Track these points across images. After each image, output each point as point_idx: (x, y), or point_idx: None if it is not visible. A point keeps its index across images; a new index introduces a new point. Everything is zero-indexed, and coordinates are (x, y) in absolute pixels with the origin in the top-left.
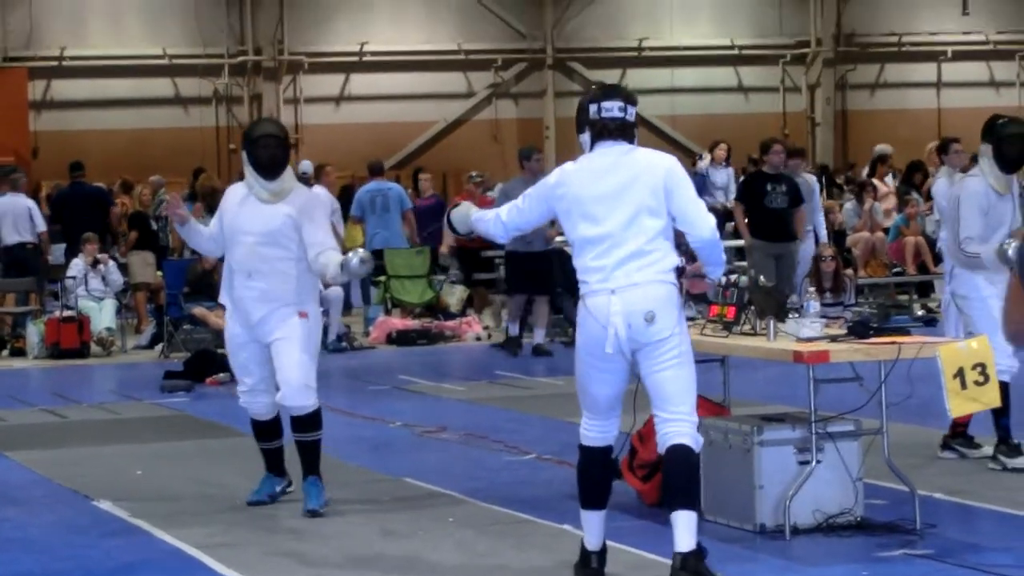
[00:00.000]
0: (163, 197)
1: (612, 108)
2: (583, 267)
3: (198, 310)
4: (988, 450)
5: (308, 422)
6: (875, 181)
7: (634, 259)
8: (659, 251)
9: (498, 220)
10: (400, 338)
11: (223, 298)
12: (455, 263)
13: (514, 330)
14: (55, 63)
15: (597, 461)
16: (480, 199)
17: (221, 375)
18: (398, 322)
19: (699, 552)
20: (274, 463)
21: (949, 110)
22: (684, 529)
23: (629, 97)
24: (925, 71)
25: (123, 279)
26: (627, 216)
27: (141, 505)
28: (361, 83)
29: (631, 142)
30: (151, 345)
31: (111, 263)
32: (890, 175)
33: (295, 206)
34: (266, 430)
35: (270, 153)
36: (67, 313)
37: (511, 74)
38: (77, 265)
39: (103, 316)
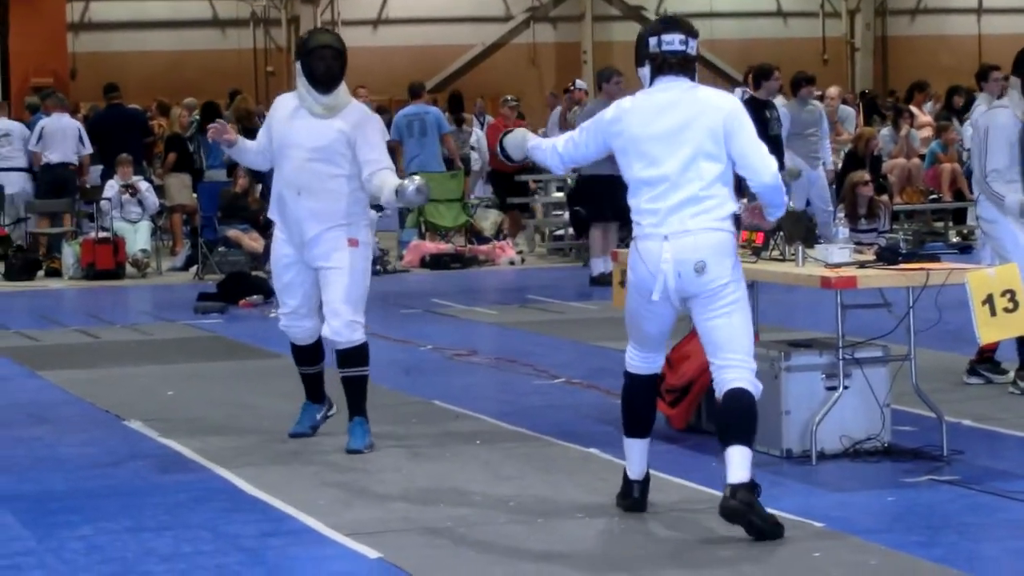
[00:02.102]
0: (195, 118)
1: (673, 41)
2: (637, 208)
3: (232, 232)
4: (1012, 375)
5: (355, 356)
6: (912, 108)
7: (689, 205)
8: (716, 197)
9: (554, 151)
10: (433, 262)
11: (272, 214)
12: (488, 188)
13: (606, 265)
14: None
15: (642, 389)
16: (515, 123)
17: (254, 297)
18: (432, 246)
19: (751, 485)
20: (314, 389)
21: (990, 36)
22: (737, 462)
23: (691, 30)
24: None
25: (159, 201)
26: (685, 159)
27: (171, 425)
28: (399, 6)
29: (692, 78)
30: (186, 267)
31: (146, 185)
32: (929, 103)
33: (349, 122)
34: (307, 354)
35: (326, 65)
36: (102, 235)
37: None
38: (112, 187)
39: (138, 238)
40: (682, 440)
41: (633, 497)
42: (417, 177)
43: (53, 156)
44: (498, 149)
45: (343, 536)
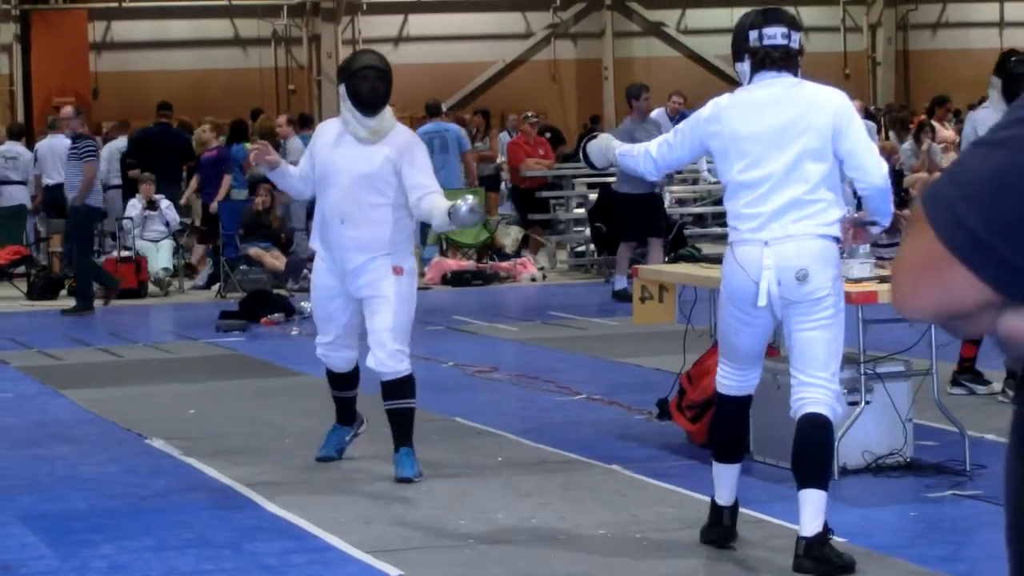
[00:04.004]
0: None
1: (775, 35)
2: (735, 212)
3: (254, 250)
4: (997, 386)
5: (401, 387)
6: (934, 123)
7: (793, 209)
8: (822, 201)
9: (648, 156)
10: (455, 279)
11: (314, 243)
12: (510, 204)
13: (630, 281)
14: (115, 4)
15: (734, 411)
16: (536, 140)
17: (276, 315)
18: (453, 263)
19: (823, 537)
20: (345, 411)
21: None
22: (811, 511)
23: (793, 22)
24: (987, 10)
25: (179, 219)
26: (789, 159)
27: (193, 443)
28: (419, 23)
29: (795, 74)
30: (207, 285)
31: (167, 203)
32: (951, 118)
33: (395, 147)
34: (343, 381)
35: (370, 86)
36: (124, 254)
37: (570, 14)
38: (134, 206)
39: (160, 256)
40: (703, 456)
41: (723, 525)
42: (470, 197)
43: (49, 178)
44: (580, 155)
45: (364, 554)
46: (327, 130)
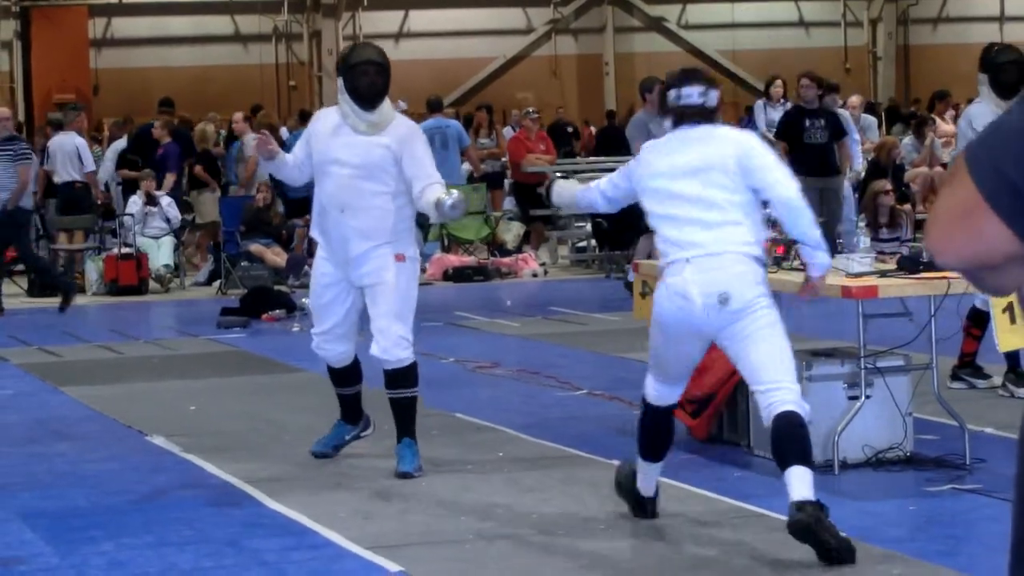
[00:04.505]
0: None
1: (692, 94)
2: (662, 242)
3: (255, 247)
4: (997, 380)
5: (404, 377)
6: (935, 117)
7: (709, 232)
8: (737, 224)
9: (603, 197)
10: (456, 274)
11: (314, 233)
12: (512, 200)
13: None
14: (115, 1)
15: (659, 419)
16: (537, 135)
17: (277, 311)
18: (454, 259)
19: (818, 503)
20: (350, 410)
21: (1013, 44)
22: (799, 481)
23: (710, 81)
24: (988, 5)
25: (180, 216)
26: (701, 191)
27: (194, 440)
28: (420, 19)
29: (713, 124)
30: (208, 282)
31: (168, 200)
32: (950, 113)
33: (395, 138)
34: (341, 376)
35: (369, 80)
36: (125, 250)
37: (570, 9)
38: (135, 203)
39: (161, 253)
40: (704, 451)
41: (647, 513)
42: (456, 192)
43: (59, 176)
44: (544, 196)
45: (364, 550)
46: (325, 118)
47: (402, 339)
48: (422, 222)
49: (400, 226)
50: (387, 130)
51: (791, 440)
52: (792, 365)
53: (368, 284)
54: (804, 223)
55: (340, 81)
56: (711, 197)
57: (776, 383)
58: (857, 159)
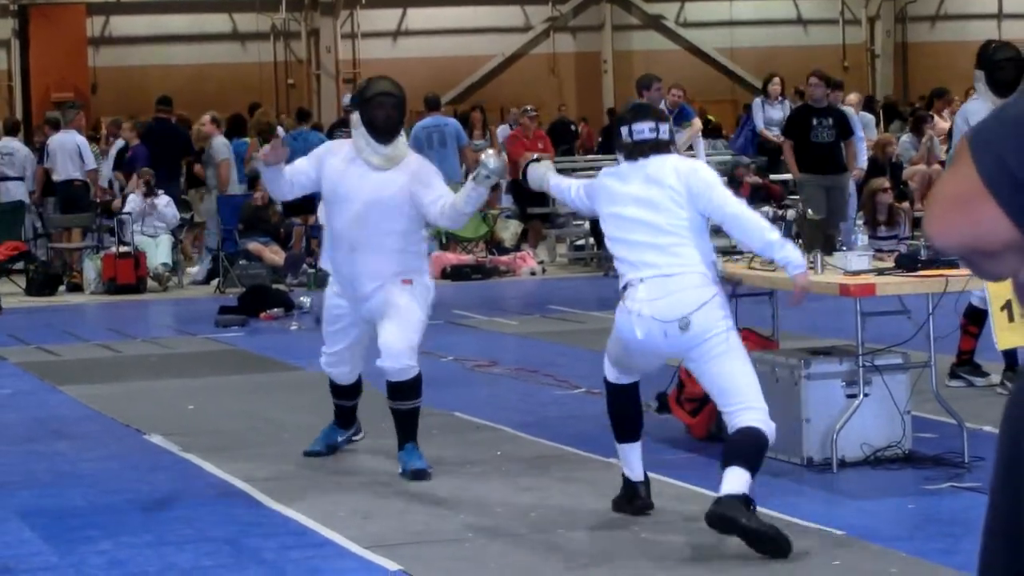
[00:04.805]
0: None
1: (643, 130)
2: (619, 263)
3: (253, 245)
4: (995, 378)
5: (407, 389)
6: (933, 115)
7: (663, 256)
8: (689, 247)
9: (577, 197)
10: (454, 273)
11: (324, 263)
12: (509, 198)
13: None
14: None
15: (625, 397)
16: (535, 133)
17: (275, 310)
18: (452, 257)
19: (741, 497)
20: (343, 418)
21: (1011, 41)
22: (733, 477)
23: (660, 115)
24: (986, 2)
25: (178, 214)
26: (652, 215)
27: (192, 439)
28: (418, 17)
29: (664, 155)
30: (207, 280)
31: (166, 199)
32: (948, 111)
33: (408, 173)
34: (345, 390)
35: (385, 114)
36: (123, 249)
37: (568, 7)
38: (133, 201)
39: (159, 252)
40: (702, 449)
41: (642, 498)
42: (490, 150)
43: (56, 174)
44: (520, 173)
45: (363, 549)
46: (338, 151)
47: (407, 350)
48: None
49: (412, 262)
50: (400, 165)
51: (743, 445)
52: (757, 387)
53: (377, 315)
54: (758, 233)
55: (355, 115)
56: (662, 223)
57: (742, 404)
58: (861, 156)
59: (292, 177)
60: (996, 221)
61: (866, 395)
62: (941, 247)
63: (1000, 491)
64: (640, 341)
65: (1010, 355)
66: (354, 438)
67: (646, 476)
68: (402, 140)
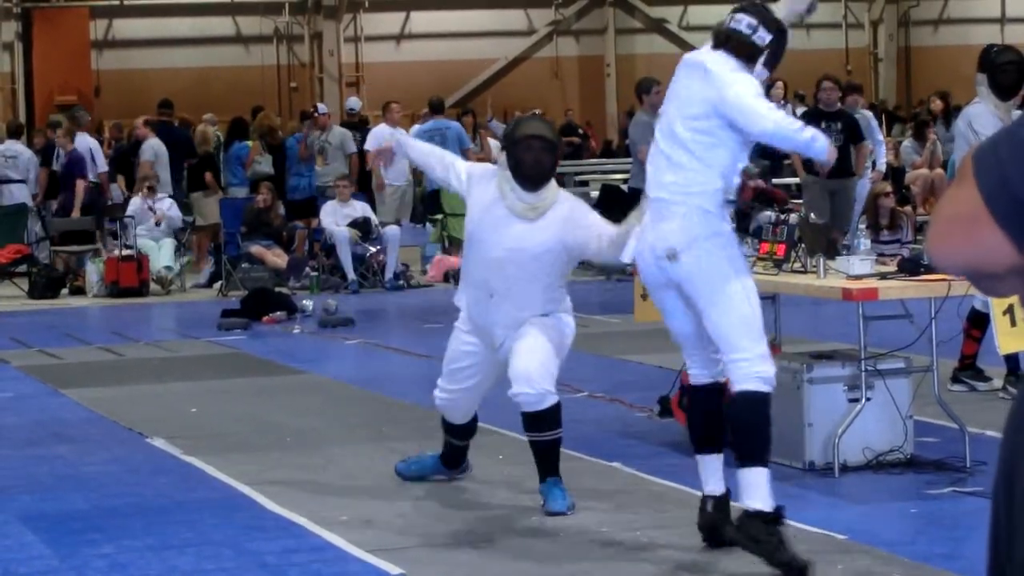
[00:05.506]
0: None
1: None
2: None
3: (256, 248)
4: (997, 382)
5: (545, 419)
6: (936, 115)
7: (666, 172)
8: (692, 170)
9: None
10: (457, 276)
11: (458, 300)
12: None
13: None
14: (117, 2)
15: (700, 401)
16: None
17: (278, 313)
18: (455, 260)
19: (764, 515)
20: (452, 458)
21: (1013, 45)
22: (753, 489)
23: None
24: (989, 6)
25: (182, 217)
26: (668, 130)
27: (195, 442)
28: (422, 21)
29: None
30: (209, 283)
31: (168, 203)
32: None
33: (558, 221)
34: (458, 430)
35: (534, 158)
36: (126, 252)
37: (572, 11)
38: (135, 204)
39: (162, 255)
40: None
41: (706, 512)
42: None
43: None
44: None
45: (365, 552)
46: (486, 184)
47: (543, 378)
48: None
49: (550, 307)
50: (547, 215)
51: (746, 431)
52: (752, 331)
53: (511, 353)
54: (792, 135)
55: (502, 156)
56: (676, 137)
57: (733, 357)
58: (880, 159)
59: (444, 170)
60: (999, 245)
61: (868, 399)
62: (943, 268)
63: (996, 499)
64: (641, 269)
65: (1012, 359)
66: (456, 477)
67: (725, 493)
68: (552, 187)
